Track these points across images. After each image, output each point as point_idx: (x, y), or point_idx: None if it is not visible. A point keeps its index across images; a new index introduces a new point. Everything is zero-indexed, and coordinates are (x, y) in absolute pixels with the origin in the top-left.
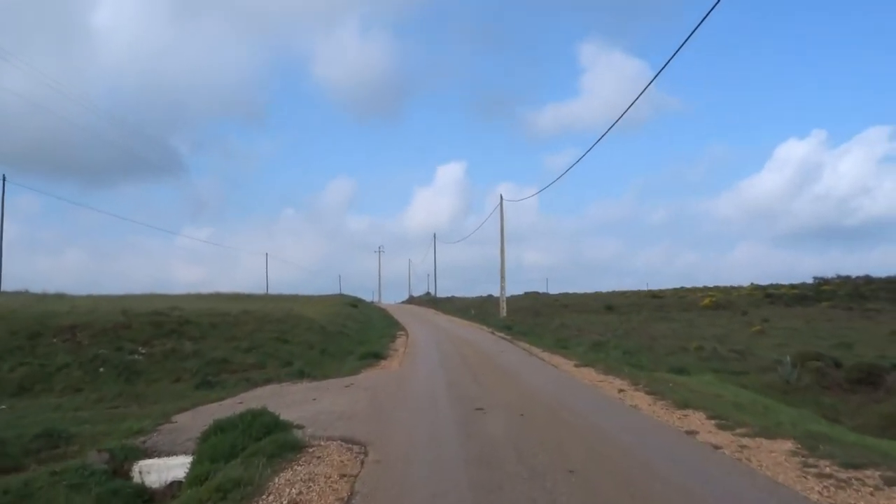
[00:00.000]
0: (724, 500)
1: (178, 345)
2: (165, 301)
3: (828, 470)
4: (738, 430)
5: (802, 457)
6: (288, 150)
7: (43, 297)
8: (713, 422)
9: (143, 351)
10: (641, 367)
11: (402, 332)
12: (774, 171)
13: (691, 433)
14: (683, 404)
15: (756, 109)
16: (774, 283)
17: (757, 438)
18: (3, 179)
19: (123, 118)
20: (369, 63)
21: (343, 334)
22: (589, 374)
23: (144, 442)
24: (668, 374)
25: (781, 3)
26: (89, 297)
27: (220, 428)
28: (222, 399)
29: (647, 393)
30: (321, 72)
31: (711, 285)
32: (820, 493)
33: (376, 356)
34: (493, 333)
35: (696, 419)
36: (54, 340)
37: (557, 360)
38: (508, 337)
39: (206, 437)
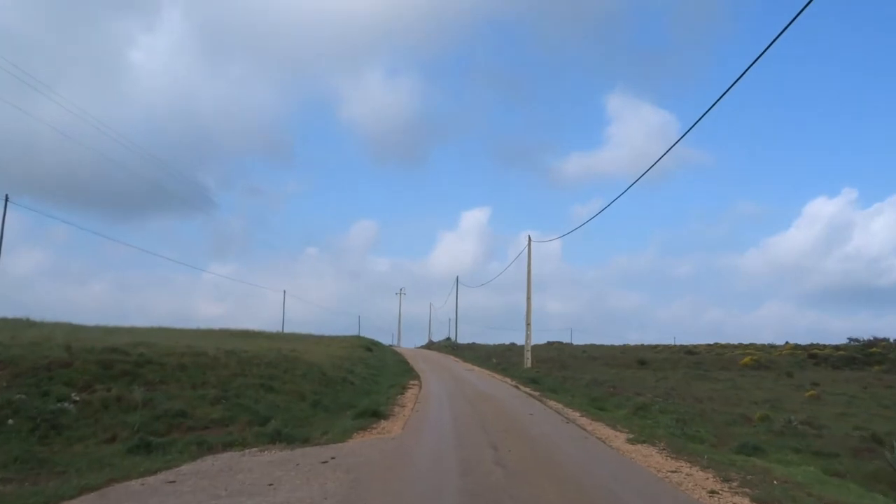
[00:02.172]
0: None
1: (126, 391)
2: (165, 335)
3: None
4: None
5: None
6: (313, 190)
7: (23, 325)
8: None
9: (77, 398)
10: (701, 440)
11: (414, 382)
12: (803, 229)
13: None
14: None
15: (784, 166)
16: (810, 342)
17: None
18: (6, 200)
19: (154, 153)
20: (395, 107)
21: (347, 382)
22: (651, 457)
23: None
24: (758, 462)
25: (812, 60)
26: (68, 326)
27: None
28: (153, 473)
29: (755, 500)
30: (348, 114)
31: (746, 342)
32: None
33: (376, 414)
34: (517, 388)
35: None
36: None
37: (602, 429)
38: (536, 393)
39: None
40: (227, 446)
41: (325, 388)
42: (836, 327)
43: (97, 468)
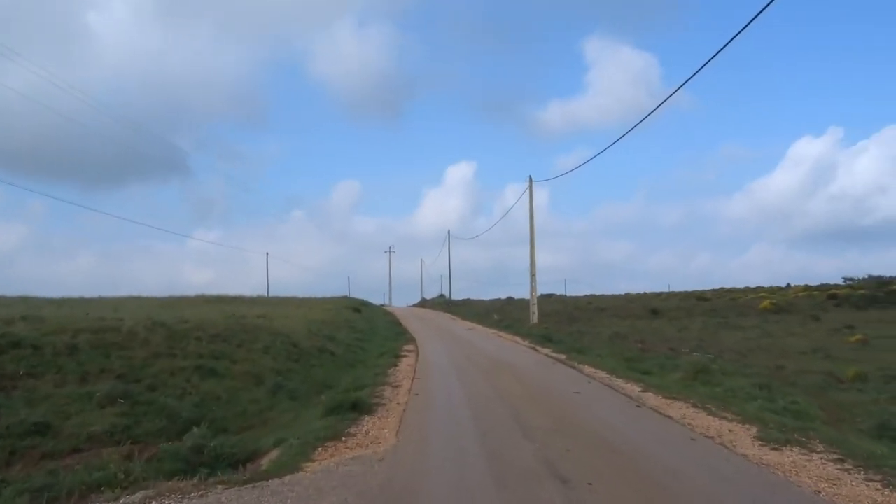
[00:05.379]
0: None
1: None
2: (123, 304)
3: None
4: None
5: None
6: (293, 151)
7: None
8: None
9: None
10: (809, 417)
11: (409, 348)
12: (788, 171)
13: None
14: None
15: (770, 106)
16: (820, 283)
17: None
18: None
19: (127, 118)
20: (371, 61)
21: (325, 353)
22: (843, 484)
23: None
24: None
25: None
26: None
27: None
28: None
29: None
30: (322, 71)
31: (743, 286)
32: None
33: (356, 407)
34: (535, 350)
35: None
36: None
37: (694, 416)
38: (561, 356)
39: None
40: (91, 490)
41: (294, 363)
42: (824, 268)
43: None
